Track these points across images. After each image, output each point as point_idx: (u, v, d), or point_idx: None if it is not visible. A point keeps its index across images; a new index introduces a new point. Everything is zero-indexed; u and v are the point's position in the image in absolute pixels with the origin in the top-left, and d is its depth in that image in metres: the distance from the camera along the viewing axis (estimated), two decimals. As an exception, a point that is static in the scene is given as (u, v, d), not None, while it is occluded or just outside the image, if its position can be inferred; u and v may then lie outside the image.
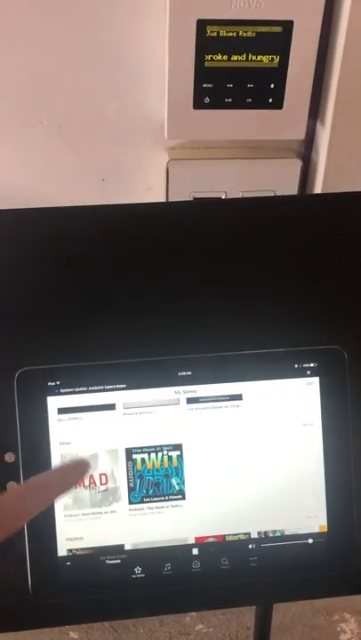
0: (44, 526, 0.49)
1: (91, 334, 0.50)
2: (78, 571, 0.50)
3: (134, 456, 0.50)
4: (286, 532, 0.51)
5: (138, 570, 0.50)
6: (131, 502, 0.50)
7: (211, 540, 0.51)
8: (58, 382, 0.49)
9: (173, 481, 0.50)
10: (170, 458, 0.50)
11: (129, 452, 0.50)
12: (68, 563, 0.50)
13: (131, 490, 0.50)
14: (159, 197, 0.67)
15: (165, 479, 0.50)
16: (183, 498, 0.50)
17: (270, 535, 0.51)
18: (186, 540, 0.50)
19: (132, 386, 0.50)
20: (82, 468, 0.44)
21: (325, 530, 0.52)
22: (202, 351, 0.51)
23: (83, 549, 0.50)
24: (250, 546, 0.51)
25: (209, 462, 0.50)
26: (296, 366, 0.51)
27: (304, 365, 0.51)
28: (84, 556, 0.50)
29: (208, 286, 0.51)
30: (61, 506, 0.49)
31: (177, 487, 0.50)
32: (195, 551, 0.51)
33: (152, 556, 0.50)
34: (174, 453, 0.50)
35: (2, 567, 0.49)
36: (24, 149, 0.65)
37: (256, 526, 0.51)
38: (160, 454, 0.50)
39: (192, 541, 0.50)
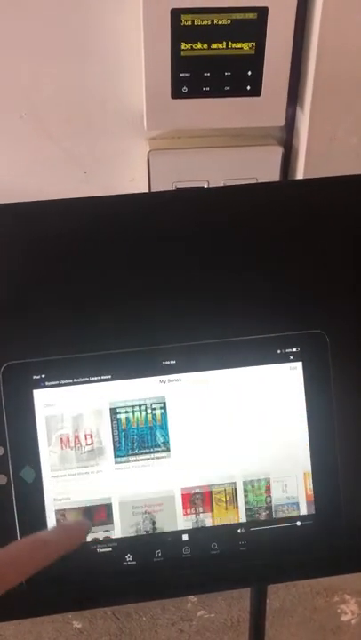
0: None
1: (75, 327, 0.51)
2: (70, 560, 0.51)
3: (119, 415, 0.50)
4: (274, 503, 0.52)
5: (129, 557, 0.51)
6: (116, 457, 0.50)
7: (197, 490, 0.51)
8: (43, 375, 0.50)
9: (158, 433, 0.51)
10: (154, 415, 0.51)
11: (113, 411, 0.50)
12: (60, 552, 0.51)
13: (116, 447, 0.50)
14: (142, 188, 0.67)
15: (150, 433, 0.51)
16: (168, 450, 0.51)
17: (260, 519, 0.52)
18: (172, 492, 0.51)
19: (117, 376, 0.51)
20: (83, 527, 0.45)
21: (313, 512, 0.52)
22: (185, 340, 0.51)
23: (70, 509, 0.50)
24: (239, 530, 0.52)
25: (193, 419, 0.51)
26: (279, 352, 0.52)
27: (287, 351, 0.52)
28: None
29: (191, 275, 0.51)
30: (48, 467, 0.50)
31: (162, 440, 0.51)
32: (185, 537, 0.52)
33: (142, 544, 0.51)
34: (158, 410, 0.51)
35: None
36: (4, 144, 0.65)
37: (241, 476, 0.52)
38: (144, 412, 0.51)
39: (178, 494, 0.51)
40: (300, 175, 0.65)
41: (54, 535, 0.42)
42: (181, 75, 0.59)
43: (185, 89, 0.59)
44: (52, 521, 0.50)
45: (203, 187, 0.64)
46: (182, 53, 0.57)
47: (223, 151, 0.65)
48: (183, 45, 0.57)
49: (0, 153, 0.66)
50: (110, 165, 0.67)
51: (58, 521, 0.50)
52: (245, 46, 0.58)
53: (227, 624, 1.18)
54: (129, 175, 0.67)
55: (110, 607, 1.11)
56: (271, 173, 0.65)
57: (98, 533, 0.51)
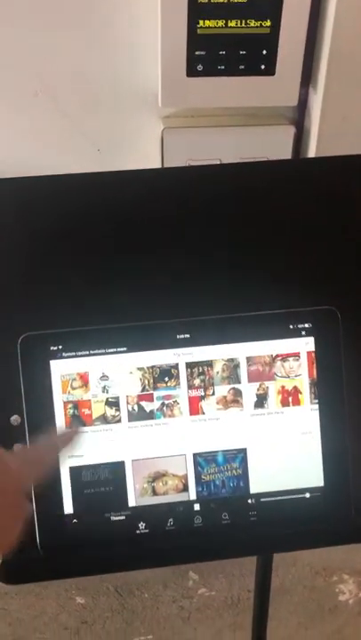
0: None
1: (91, 300, 0.52)
2: (84, 528, 0.52)
3: None
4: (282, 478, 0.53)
5: (142, 526, 0.52)
6: (130, 420, 0.52)
7: (206, 452, 0.52)
8: (60, 346, 0.51)
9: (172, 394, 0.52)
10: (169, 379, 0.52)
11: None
12: (75, 520, 0.52)
13: (131, 414, 0.52)
14: (155, 166, 0.67)
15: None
16: (181, 414, 0.52)
17: (269, 490, 0.53)
18: (183, 452, 0.52)
19: (132, 349, 0.52)
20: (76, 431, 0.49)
21: (321, 485, 0.53)
22: (200, 314, 0.52)
23: (83, 466, 0.52)
24: (249, 501, 0.53)
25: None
26: (291, 327, 0.53)
27: (299, 326, 0.53)
28: (90, 513, 0.52)
29: (206, 251, 0.52)
30: (63, 426, 0.52)
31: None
32: (196, 507, 0.53)
33: (155, 513, 0.52)
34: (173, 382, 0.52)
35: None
36: (19, 122, 0.66)
37: (251, 444, 0.53)
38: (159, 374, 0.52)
39: (190, 455, 0.52)
40: (312, 155, 0.66)
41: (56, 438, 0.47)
42: (197, 53, 0.59)
43: (200, 67, 0.60)
44: (66, 488, 0.52)
45: (217, 163, 0.64)
46: (198, 31, 0.58)
47: (236, 130, 0.65)
48: (200, 22, 0.57)
49: (14, 130, 0.66)
50: (124, 143, 0.67)
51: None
52: (261, 24, 0.58)
53: (227, 602, 1.20)
54: (142, 153, 0.68)
55: (115, 584, 1.12)
56: (283, 153, 0.66)
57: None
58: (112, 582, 1.13)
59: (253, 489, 0.53)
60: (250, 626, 1.13)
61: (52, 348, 0.51)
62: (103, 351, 0.51)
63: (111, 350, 0.51)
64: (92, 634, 1.21)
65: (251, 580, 1.17)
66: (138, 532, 0.52)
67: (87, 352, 0.51)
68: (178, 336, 0.52)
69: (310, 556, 1.17)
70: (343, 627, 1.29)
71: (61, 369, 0.51)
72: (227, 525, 0.53)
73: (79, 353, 0.51)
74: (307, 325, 0.53)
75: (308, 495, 0.53)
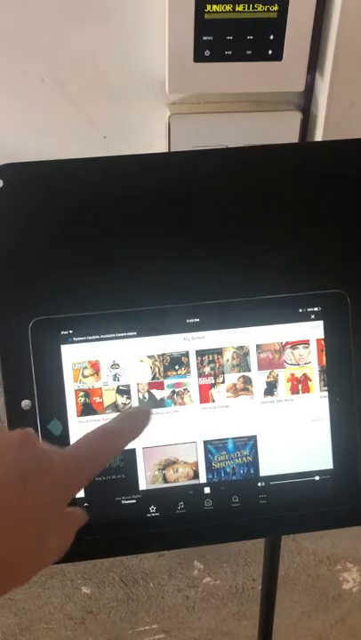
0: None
1: (102, 285, 0.52)
2: (96, 512, 0.52)
3: None
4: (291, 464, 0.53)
5: (152, 509, 0.53)
6: None
7: (217, 439, 0.53)
8: (71, 331, 0.51)
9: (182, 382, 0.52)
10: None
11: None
12: (86, 504, 0.52)
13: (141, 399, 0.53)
14: (161, 153, 0.67)
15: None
16: (192, 402, 0.53)
17: (278, 474, 0.53)
18: (194, 440, 0.53)
19: (142, 333, 0.52)
20: (145, 413, 0.43)
21: (331, 467, 0.54)
22: (209, 298, 0.52)
23: None
24: (259, 484, 0.53)
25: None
26: (301, 311, 0.53)
27: (308, 310, 0.53)
28: (101, 497, 0.52)
29: (215, 235, 0.52)
30: (75, 419, 0.51)
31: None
32: (206, 490, 0.53)
33: (166, 496, 0.53)
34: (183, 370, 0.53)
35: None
36: (26, 108, 0.66)
37: (261, 432, 0.53)
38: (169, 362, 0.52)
39: (201, 442, 0.53)
40: (318, 141, 0.66)
41: (117, 424, 0.40)
42: (204, 38, 0.59)
43: (207, 52, 0.60)
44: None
45: (227, 147, 0.64)
46: (206, 16, 0.58)
47: (243, 116, 0.65)
48: (207, 7, 0.57)
49: (21, 116, 0.66)
50: (130, 130, 0.67)
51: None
52: (269, 9, 0.58)
53: (232, 591, 1.21)
54: (148, 140, 0.68)
55: (120, 573, 1.13)
56: (290, 139, 0.66)
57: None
58: (117, 572, 1.14)
59: (263, 473, 0.53)
60: (254, 615, 1.14)
61: (62, 332, 0.51)
62: (113, 336, 0.52)
63: (121, 335, 0.52)
64: (98, 623, 1.21)
65: (254, 568, 1.18)
66: (148, 515, 0.53)
67: (97, 337, 0.51)
68: (187, 320, 0.52)
69: (314, 544, 1.17)
70: (347, 615, 1.29)
71: (72, 355, 0.51)
72: (237, 508, 0.53)
73: (90, 338, 0.51)
74: (316, 309, 0.53)
75: (317, 478, 0.54)
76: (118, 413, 0.44)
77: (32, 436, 0.37)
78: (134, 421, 0.41)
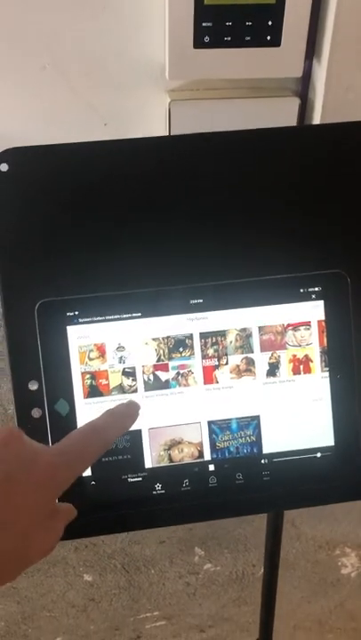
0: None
1: (106, 266, 0.53)
2: (102, 489, 0.53)
3: None
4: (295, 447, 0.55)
5: (158, 487, 0.54)
6: (146, 390, 0.53)
7: (221, 420, 0.54)
8: (76, 312, 0.52)
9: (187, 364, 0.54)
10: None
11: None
12: (93, 482, 0.53)
13: (146, 382, 0.54)
14: (161, 140, 0.68)
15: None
16: (196, 383, 0.54)
17: (281, 451, 0.54)
18: (198, 420, 0.54)
19: (146, 314, 0.53)
20: (132, 409, 0.45)
21: (332, 444, 0.55)
22: (212, 279, 0.53)
23: None
24: (262, 461, 0.55)
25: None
26: (302, 291, 0.54)
27: (309, 290, 0.54)
28: (108, 475, 0.53)
29: (216, 216, 0.53)
30: (82, 399, 0.52)
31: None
32: (211, 467, 0.54)
33: (171, 474, 0.54)
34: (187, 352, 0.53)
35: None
36: (26, 95, 0.66)
37: (264, 412, 0.55)
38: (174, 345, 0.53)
39: (205, 422, 0.54)
40: (316, 126, 0.67)
41: (104, 420, 0.41)
42: (204, 24, 0.60)
43: (207, 38, 0.61)
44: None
45: (231, 130, 0.64)
46: (206, 2, 0.58)
47: (242, 102, 0.66)
48: (207, -7, 0.58)
49: (22, 104, 0.67)
50: (130, 117, 0.68)
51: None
52: (267, -5, 0.59)
53: (232, 577, 1.22)
54: (149, 126, 0.69)
55: (122, 561, 1.14)
56: (288, 124, 0.67)
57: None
58: (119, 559, 1.15)
59: (266, 451, 0.54)
60: (255, 601, 1.15)
61: (68, 313, 0.52)
62: (118, 317, 0.52)
63: (126, 316, 0.52)
64: (100, 611, 1.23)
65: (254, 554, 1.19)
66: (154, 492, 0.54)
67: (103, 318, 0.52)
68: (191, 301, 0.53)
69: (313, 530, 1.19)
70: (346, 600, 1.31)
71: (78, 337, 0.52)
72: (241, 485, 0.54)
73: (95, 319, 0.52)
74: (317, 289, 0.54)
75: (319, 455, 0.55)
76: (108, 409, 0.45)
77: (17, 435, 0.37)
78: (122, 417, 0.43)
